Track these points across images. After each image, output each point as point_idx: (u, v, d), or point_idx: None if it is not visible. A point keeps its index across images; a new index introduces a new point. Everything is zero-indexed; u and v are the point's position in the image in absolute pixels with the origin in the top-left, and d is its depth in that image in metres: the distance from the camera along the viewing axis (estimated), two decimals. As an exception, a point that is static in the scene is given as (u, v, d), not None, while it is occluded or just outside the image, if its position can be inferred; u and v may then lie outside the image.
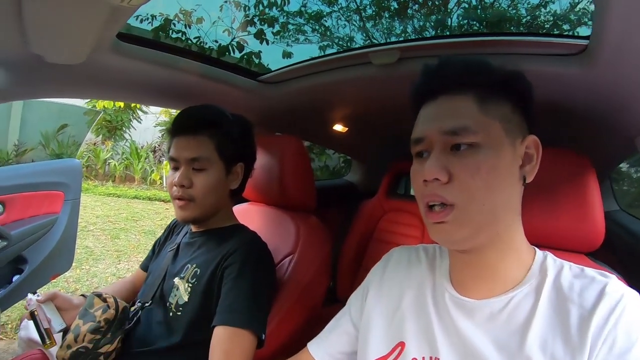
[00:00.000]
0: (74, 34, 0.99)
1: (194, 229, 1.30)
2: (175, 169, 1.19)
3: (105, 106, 8.70)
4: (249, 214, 1.55)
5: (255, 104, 1.72)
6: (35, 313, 1.16)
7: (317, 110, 1.84)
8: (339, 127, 2.11)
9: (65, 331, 1.16)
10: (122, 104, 8.33)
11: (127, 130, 9.67)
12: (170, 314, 1.14)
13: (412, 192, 3.22)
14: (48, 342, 1.14)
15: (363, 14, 5.32)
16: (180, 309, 1.13)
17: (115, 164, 8.93)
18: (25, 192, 2.07)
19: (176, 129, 1.21)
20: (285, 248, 1.37)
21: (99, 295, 1.18)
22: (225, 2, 4.72)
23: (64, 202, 2.28)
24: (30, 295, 1.21)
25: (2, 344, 2.68)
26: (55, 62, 1.14)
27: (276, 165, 1.44)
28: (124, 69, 1.30)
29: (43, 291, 1.23)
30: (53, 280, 3.24)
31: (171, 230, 1.44)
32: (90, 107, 8.73)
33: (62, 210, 2.26)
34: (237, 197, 1.32)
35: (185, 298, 1.14)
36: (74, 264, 3.82)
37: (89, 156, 8.92)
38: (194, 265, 1.18)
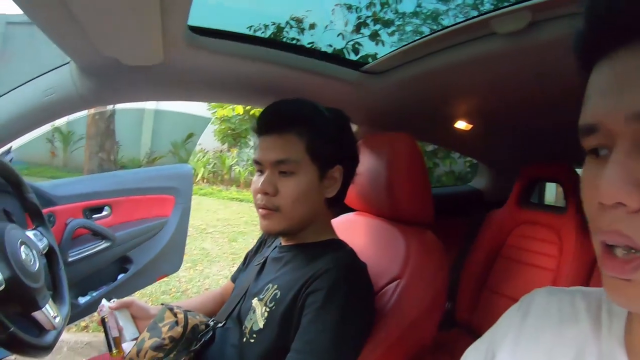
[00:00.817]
0: (137, 31, 0.93)
1: (283, 242, 1.13)
2: (260, 172, 1.03)
3: (226, 115, 9.11)
4: (353, 227, 1.33)
5: (357, 99, 1.48)
6: (106, 320, 1.13)
7: (431, 102, 1.56)
8: (460, 124, 1.79)
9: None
10: (241, 112, 8.66)
11: (251, 139, 10.00)
12: (244, 339, 1.01)
13: (549, 201, 2.84)
14: (115, 351, 1.11)
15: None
16: (254, 335, 0.99)
17: (240, 170, 9.30)
18: (135, 195, 2.12)
19: (260, 127, 1.05)
20: (391, 271, 1.11)
21: (171, 309, 1.08)
22: (337, 5, 4.62)
23: (175, 206, 2.29)
24: (103, 302, 1.16)
25: (87, 337, 2.80)
26: (133, 64, 1.12)
27: (384, 168, 1.19)
28: (204, 65, 1.20)
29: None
30: (163, 280, 3.46)
31: (263, 241, 1.29)
32: (215, 117, 9.23)
33: (172, 214, 2.28)
34: (337, 206, 1.12)
35: (261, 324, 0.98)
36: (188, 265, 4.15)
37: (214, 162, 9.40)
38: (275, 287, 1.01)
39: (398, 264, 1.10)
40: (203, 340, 1.08)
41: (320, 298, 0.91)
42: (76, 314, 1.88)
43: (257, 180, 1.02)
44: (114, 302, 1.16)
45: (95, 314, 1.25)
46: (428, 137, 2.25)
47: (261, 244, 1.28)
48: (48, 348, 1.02)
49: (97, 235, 1.92)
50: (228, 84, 1.33)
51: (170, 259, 2.33)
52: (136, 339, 1.09)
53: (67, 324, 1.75)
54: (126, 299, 1.19)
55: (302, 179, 1.00)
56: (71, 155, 9.08)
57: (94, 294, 1.94)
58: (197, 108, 7.56)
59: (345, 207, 1.27)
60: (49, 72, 1.33)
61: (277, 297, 0.98)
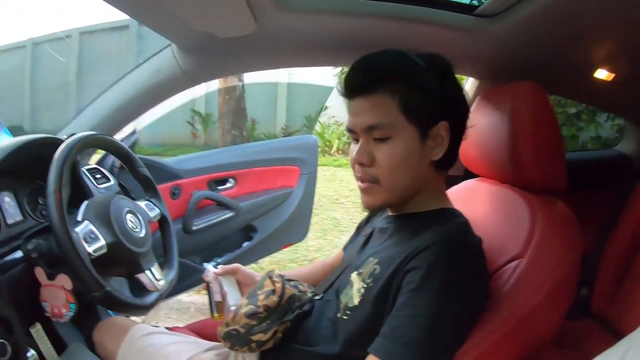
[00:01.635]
0: (225, 2, 0.95)
1: (390, 211, 1.01)
2: (356, 141, 0.92)
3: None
4: (471, 195, 1.16)
5: (472, 48, 1.29)
6: (209, 284, 1.16)
7: (563, 46, 1.30)
8: (600, 73, 1.46)
9: None
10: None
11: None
12: (339, 314, 0.94)
13: None
14: (216, 315, 1.16)
15: None
16: (348, 312, 0.91)
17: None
18: (259, 167, 2.17)
19: (346, 90, 0.93)
20: (512, 248, 0.92)
21: (271, 277, 1.05)
22: None
23: (300, 177, 2.31)
24: (208, 267, 1.20)
25: (195, 298, 2.96)
26: (227, 36, 1.13)
27: (506, 124, 1.01)
28: (297, 27, 1.15)
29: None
30: (292, 248, 3.48)
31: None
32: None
33: (297, 184, 2.31)
34: (447, 168, 0.97)
35: (356, 301, 0.90)
36: (318, 234, 4.20)
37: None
38: (375, 261, 0.90)
39: (520, 240, 0.92)
40: (297, 311, 1.03)
41: (417, 278, 0.79)
42: (201, 280, 1.99)
43: (353, 149, 0.92)
44: (219, 268, 1.19)
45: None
46: (560, 90, 1.90)
47: (372, 213, 1.17)
48: (146, 308, 1.09)
49: (222, 205, 2.00)
50: (323, 44, 1.26)
51: (295, 229, 2.36)
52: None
53: (194, 287, 1.87)
54: (231, 265, 1.20)
55: (400, 144, 0.87)
56: (211, 136, 9.71)
57: (219, 260, 1.98)
58: (329, 78, 7.62)
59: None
60: (153, 56, 1.41)
61: (376, 272, 0.88)
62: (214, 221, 1.97)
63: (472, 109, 1.07)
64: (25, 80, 11.70)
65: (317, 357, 0.95)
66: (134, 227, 1.13)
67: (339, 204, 5.25)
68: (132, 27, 10.60)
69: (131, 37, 10.81)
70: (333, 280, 1.06)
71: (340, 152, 8.76)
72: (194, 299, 2.94)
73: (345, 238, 3.98)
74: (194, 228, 1.89)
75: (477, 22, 1.20)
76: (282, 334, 1.01)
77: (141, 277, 1.12)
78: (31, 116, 10.44)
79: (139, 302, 1.07)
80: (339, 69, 8.17)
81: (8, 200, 1.22)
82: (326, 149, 8.64)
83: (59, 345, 1.68)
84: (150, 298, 1.11)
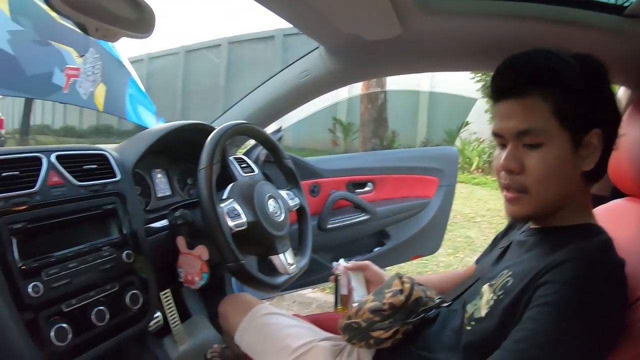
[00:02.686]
0: (371, 5, 0.96)
1: (532, 224, 0.93)
2: (502, 147, 0.85)
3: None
4: (621, 216, 1.02)
5: (621, 52, 1.11)
6: (338, 277, 1.19)
7: None
8: None
9: None
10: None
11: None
12: (463, 325, 0.90)
13: None
14: (339, 307, 1.17)
15: None
16: (472, 323, 0.87)
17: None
18: (398, 174, 2.16)
19: (494, 92, 0.86)
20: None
21: (400, 278, 1.06)
22: None
23: (438, 188, 2.27)
24: (340, 260, 1.22)
25: (319, 295, 3.00)
26: (373, 39, 1.16)
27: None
28: (442, 30, 1.14)
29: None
30: (421, 261, 3.47)
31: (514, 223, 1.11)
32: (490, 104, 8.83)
33: (435, 195, 2.26)
34: (595, 181, 0.87)
35: (483, 312, 0.85)
36: (449, 251, 4.07)
37: (490, 152, 8.99)
38: (509, 274, 0.84)
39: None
40: (423, 315, 1.01)
41: (548, 293, 0.72)
42: (327, 276, 2.00)
43: (499, 155, 0.85)
44: (350, 263, 1.21)
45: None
46: None
47: (511, 226, 1.11)
48: (274, 287, 1.14)
49: (358, 208, 2.02)
50: (467, 47, 1.21)
51: (428, 241, 2.32)
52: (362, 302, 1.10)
53: (320, 284, 1.88)
54: (363, 262, 1.23)
55: (552, 151, 0.79)
56: (351, 144, 9.97)
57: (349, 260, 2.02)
58: (470, 89, 7.30)
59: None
60: (302, 57, 1.48)
61: (508, 285, 0.82)
62: (349, 222, 1.99)
63: (624, 118, 0.95)
64: (177, 83, 13.21)
65: None
66: (275, 211, 1.20)
67: (474, 223, 5.05)
68: (278, 38, 11.34)
69: (276, 47, 11.59)
70: (463, 290, 1.02)
71: (479, 170, 8.40)
72: (318, 295, 3.01)
73: (476, 258, 3.83)
74: (329, 226, 1.92)
75: (627, 23, 1.04)
76: (402, 335, 1.00)
77: (274, 259, 1.18)
78: (182, 115, 11.70)
79: (268, 280, 1.13)
80: (482, 82, 7.94)
81: (160, 176, 1.40)
82: (465, 165, 8.37)
83: (184, 314, 1.82)
84: (279, 279, 1.17)
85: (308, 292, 2.97)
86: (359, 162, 2.16)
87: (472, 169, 8.32)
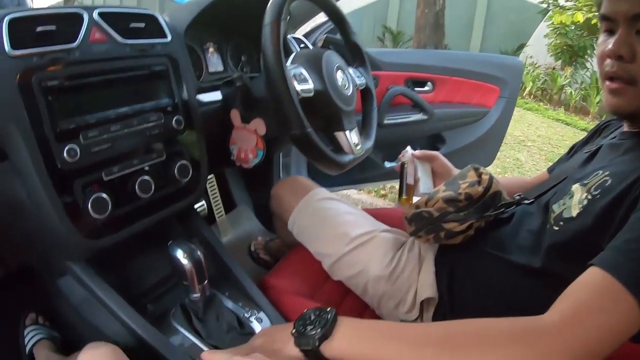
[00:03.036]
0: None
1: (626, 127, 0.86)
2: (609, 32, 0.76)
3: (563, 21, 7.93)
4: None
5: None
6: (405, 165, 1.13)
7: None
8: None
9: None
10: (580, 20, 7.39)
11: (589, 59, 8.71)
12: (547, 225, 0.84)
13: None
14: (404, 197, 1.11)
15: None
16: (561, 223, 0.81)
17: (571, 92, 8.27)
18: (459, 77, 2.00)
19: None
20: None
21: (477, 169, 0.97)
22: None
23: (499, 99, 2.12)
24: (408, 148, 1.14)
25: (381, 203, 2.98)
26: None
27: None
28: None
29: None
30: None
31: (597, 131, 1.05)
32: (550, 28, 8.21)
33: (494, 106, 2.12)
34: None
35: (574, 212, 0.79)
36: (498, 170, 3.94)
37: (545, 79, 8.56)
38: (606, 174, 0.78)
39: None
40: (503, 210, 0.94)
41: None
42: (378, 176, 1.94)
43: (605, 41, 0.77)
44: (419, 152, 1.13)
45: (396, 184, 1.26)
46: None
47: (594, 134, 1.05)
48: (337, 165, 1.03)
49: (416, 107, 1.90)
50: None
51: (483, 152, 2.21)
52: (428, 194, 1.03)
53: (369, 183, 1.80)
54: (432, 152, 1.15)
55: None
56: (401, 54, 9.66)
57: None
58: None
59: None
60: None
61: (606, 185, 0.76)
62: (406, 120, 1.88)
63: None
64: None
65: (509, 266, 0.86)
66: (344, 84, 1.08)
67: (524, 146, 4.88)
68: None
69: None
70: (546, 189, 0.93)
71: (532, 96, 8.03)
72: (363, 197, 2.96)
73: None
74: (385, 122, 1.81)
75: None
76: (473, 232, 0.93)
77: (339, 136, 1.07)
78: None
79: (334, 156, 1.02)
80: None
81: (212, 50, 1.28)
82: (519, 89, 7.99)
83: (228, 205, 1.79)
84: (345, 158, 1.06)
85: (353, 194, 2.92)
86: (420, 58, 1.99)
87: (524, 94, 7.94)
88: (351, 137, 1.07)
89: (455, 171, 1.11)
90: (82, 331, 0.99)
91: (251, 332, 0.93)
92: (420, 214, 0.95)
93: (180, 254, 0.86)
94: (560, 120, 6.93)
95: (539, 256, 0.82)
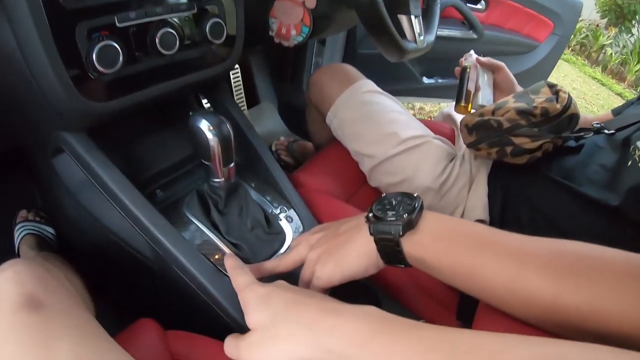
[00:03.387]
0: None
1: None
2: None
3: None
4: None
5: None
6: (468, 70, 0.99)
7: None
8: None
9: None
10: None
11: (636, 25, 8.24)
12: (628, 162, 0.76)
13: None
14: (462, 104, 0.98)
15: None
16: None
17: (611, 54, 7.90)
18: (514, 1, 1.85)
19: None
20: None
21: (552, 86, 0.86)
22: None
23: (551, 35, 1.99)
24: (472, 52, 1.03)
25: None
26: None
27: None
28: None
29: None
30: None
31: None
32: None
33: (545, 41, 1.99)
34: None
35: None
36: None
37: (587, 34, 8.15)
38: None
39: None
40: (581, 134, 0.85)
41: None
42: (414, 90, 1.84)
43: None
44: (485, 58, 1.02)
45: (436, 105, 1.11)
46: None
47: None
48: (401, 51, 0.91)
49: (467, 22, 1.75)
50: None
51: (524, 87, 2.05)
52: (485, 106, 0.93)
53: (404, 97, 1.68)
54: (498, 62, 1.03)
55: None
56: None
57: (439, 81, 1.85)
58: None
59: None
60: None
61: None
62: (453, 35, 1.74)
63: None
64: None
65: (577, 197, 0.78)
66: None
67: (557, 96, 4.69)
68: None
69: None
70: (628, 124, 0.83)
71: (569, 48, 7.69)
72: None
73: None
74: (432, 35, 1.67)
75: None
76: (541, 155, 0.84)
77: (403, 20, 0.94)
78: None
79: (399, 39, 0.89)
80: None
81: None
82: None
83: (252, 100, 1.69)
84: (409, 44, 0.93)
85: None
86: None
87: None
88: (415, 24, 0.94)
89: (519, 88, 1.01)
90: (78, 222, 0.88)
91: (279, 232, 0.80)
92: (487, 122, 0.85)
93: (204, 125, 0.68)
94: (596, 79, 6.68)
95: (616, 194, 0.74)
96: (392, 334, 0.40)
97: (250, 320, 0.47)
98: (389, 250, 0.52)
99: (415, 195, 0.54)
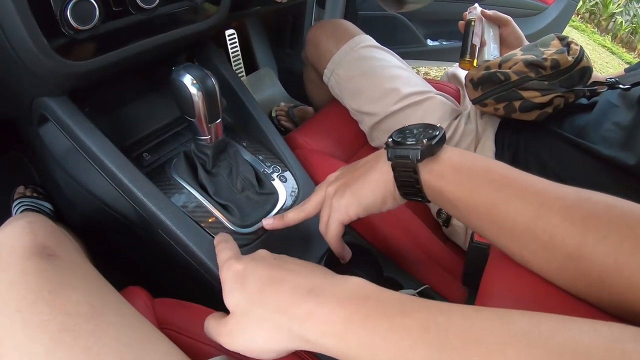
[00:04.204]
0: None
1: None
2: None
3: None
4: None
5: None
6: (472, 23, 0.94)
7: None
8: None
9: None
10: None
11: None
12: None
13: None
14: (467, 58, 0.93)
15: None
16: None
17: (621, 22, 7.73)
18: None
19: None
20: None
21: (563, 39, 0.81)
22: None
23: None
24: (477, 5, 0.96)
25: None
26: None
27: None
28: None
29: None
30: None
31: None
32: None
33: (554, 4, 1.92)
34: None
35: None
36: None
37: (596, 2, 7.94)
38: None
39: None
40: (594, 87, 0.80)
41: None
42: (418, 53, 1.79)
43: None
44: (491, 11, 0.95)
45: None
46: None
47: None
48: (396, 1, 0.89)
49: None
50: None
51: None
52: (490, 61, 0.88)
53: (406, 60, 1.64)
54: (505, 15, 0.95)
55: None
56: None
57: (444, 43, 1.78)
58: None
59: None
60: None
61: None
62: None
63: None
64: None
65: (591, 155, 0.73)
66: None
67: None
68: None
69: None
70: None
71: (579, 15, 7.54)
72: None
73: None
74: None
75: None
76: (552, 111, 0.78)
77: None
78: None
79: None
80: None
81: None
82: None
83: (250, 66, 1.64)
84: None
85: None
86: None
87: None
88: None
89: (527, 43, 0.94)
90: (69, 193, 0.86)
91: (271, 192, 0.75)
92: (493, 75, 0.80)
93: (187, 80, 0.63)
94: (606, 47, 6.57)
95: (632, 153, 0.69)
96: (370, 322, 0.35)
97: (226, 302, 0.45)
98: (406, 177, 0.49)
99: (437, 125, 0.51)
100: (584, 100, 0.83)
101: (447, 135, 0.88)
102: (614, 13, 8.00)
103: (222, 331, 0.44)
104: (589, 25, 7.58)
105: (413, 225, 0.79)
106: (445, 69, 2.64)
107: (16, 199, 1.10)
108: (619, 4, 8.06)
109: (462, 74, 1.16)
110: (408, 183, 0.49)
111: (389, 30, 1.48)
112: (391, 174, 0.51)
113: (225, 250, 0.51)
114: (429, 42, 1.74)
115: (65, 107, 0.65)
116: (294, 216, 0.60)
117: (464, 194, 0.45)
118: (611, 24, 8.09)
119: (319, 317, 0.37)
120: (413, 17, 1.63)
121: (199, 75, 0.64)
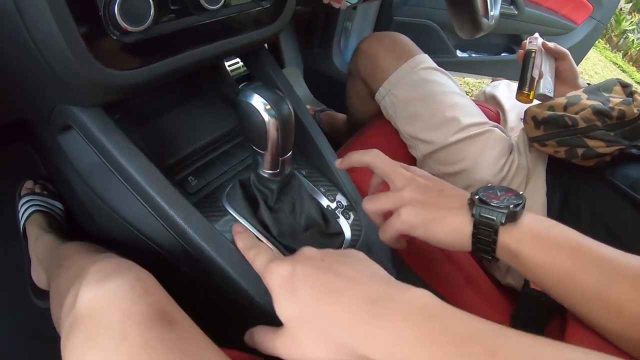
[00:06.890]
0: None
1: None
2: None
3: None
4: None
5: None
6: (533, 54, 0.90)
7: None
8: None
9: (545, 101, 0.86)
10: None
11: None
12: None
13: None
14: (525, 91, 0.88)
15: None
16: None
17: (633, 40, 7.74)
18: None
19: None
20: None
21: (626, 86, 0.80)
22: None
23: (589, 19, 1.91)
24: (537, 34, 0.94)
25: None
26: None
27: None
28: None
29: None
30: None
31: None
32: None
33: (582, 25, 1.91)
34: None
35: None
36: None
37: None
38: None
39: None
40: None
41: None
42: (448, 64, 1.74)
43: None
44: (551, 44, 0.92)
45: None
46: None
47: None
48: (478, 27, 0.87)
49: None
50: None
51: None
52: (546, 96, 0.87)
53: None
54: (564, 49, 0.92)
55: None
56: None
57: (473, 55, 1.78)
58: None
59: None
60: None
61: None
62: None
63: None
64: None
65: None
66: None
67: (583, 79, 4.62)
68: None
69: None
70: None
71: (604, 40, 7.53)
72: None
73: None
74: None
75: None
76: (609, 159, 0.76)
77: None
78: None
79: (479, 15, 0.83)
80: None
81: None
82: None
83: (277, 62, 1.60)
84: (484, 21, 0.87)
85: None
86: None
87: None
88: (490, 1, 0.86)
89: (581, 80, 0.93)
90: (92, 209, 0.73)
91: (339, 233, 0.66)
92: (561, 119, 0.78)
93: (259, 104, 0.52)
94: (617, 64, 6.55)
95: None
96: (438, 348, 0.34)
97: (278, 311, 0.42)
98: (485, 236, 0.50)
99: (520, 193, 0.52)
100: (634, 150, 0.80)
101: (503, 173, 0.86)
102: (626, 30, 8.01)
103: (278, 345, 0.42)
104: (600, 40, 7.57)
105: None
106: (478, 81, 2.63)
107: (24, 195, 0.99)
108: (632, 21, 8.06)
109: (502, 96, 1.14)
110: (484, 242, 0.50)
111: (422, 38, 1.44)
112: (470, 228, 0.51)
113: (260, 255, 0.48)
114: (459, 53, 1.72)
115: (98, 121, 0.54)
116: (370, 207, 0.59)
117: (541, 259, 0.47)
118: (622, 40, 8.10)
119: (385, 338, 0.36)
120: (446, 27, 1.60)
121: (274, 100, 0.53)
